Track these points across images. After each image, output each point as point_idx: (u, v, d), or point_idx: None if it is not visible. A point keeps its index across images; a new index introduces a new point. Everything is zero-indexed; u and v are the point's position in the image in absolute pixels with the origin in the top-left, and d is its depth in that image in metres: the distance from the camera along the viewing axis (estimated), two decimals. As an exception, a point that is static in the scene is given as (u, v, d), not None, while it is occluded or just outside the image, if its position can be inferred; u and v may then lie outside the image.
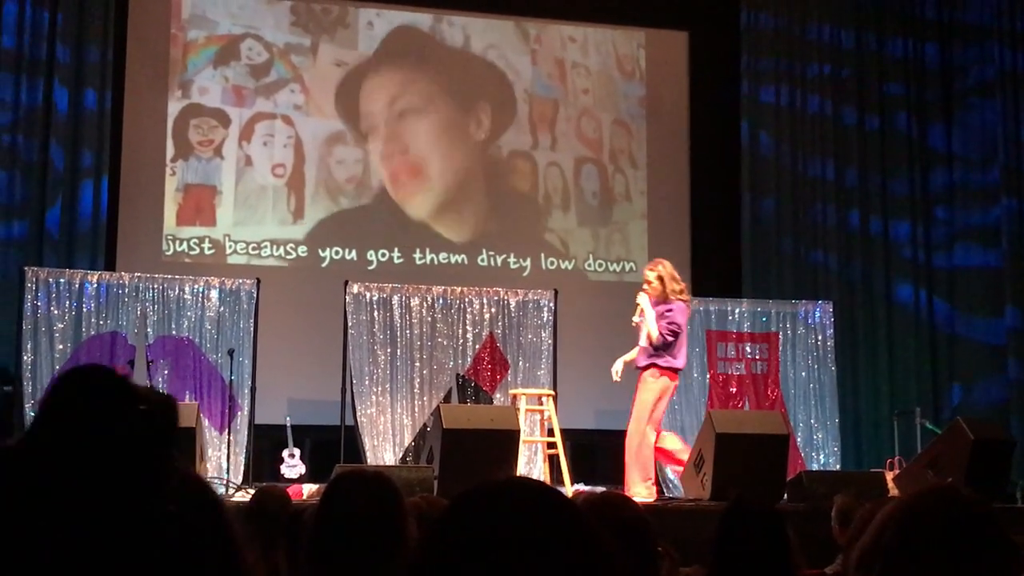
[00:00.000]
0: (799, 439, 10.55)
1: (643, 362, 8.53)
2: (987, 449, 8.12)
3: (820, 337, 10.89)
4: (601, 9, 12.12)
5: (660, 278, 8.50)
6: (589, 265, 11.83)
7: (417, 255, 11.49)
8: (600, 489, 7.60)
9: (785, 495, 8.25)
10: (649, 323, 8.42)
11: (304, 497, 7.86)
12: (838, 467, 10.57)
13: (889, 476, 8.74)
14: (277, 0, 11.52)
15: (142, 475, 1.17)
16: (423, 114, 11.69)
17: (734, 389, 10.60)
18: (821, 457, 10.68)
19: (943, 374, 12.15)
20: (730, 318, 10.77)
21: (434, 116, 11.72)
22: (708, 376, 10.55)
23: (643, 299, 8.52)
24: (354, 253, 11.32)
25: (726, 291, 11.44)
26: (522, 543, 1.29)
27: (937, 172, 12.52)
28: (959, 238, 12.34)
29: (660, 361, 8.46)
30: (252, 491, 7.12)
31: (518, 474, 7.35)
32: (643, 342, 8.53)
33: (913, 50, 12.62)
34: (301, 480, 9.38)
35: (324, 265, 11.22)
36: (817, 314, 10.94)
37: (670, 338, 8.42)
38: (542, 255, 11.74)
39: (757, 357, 10.72)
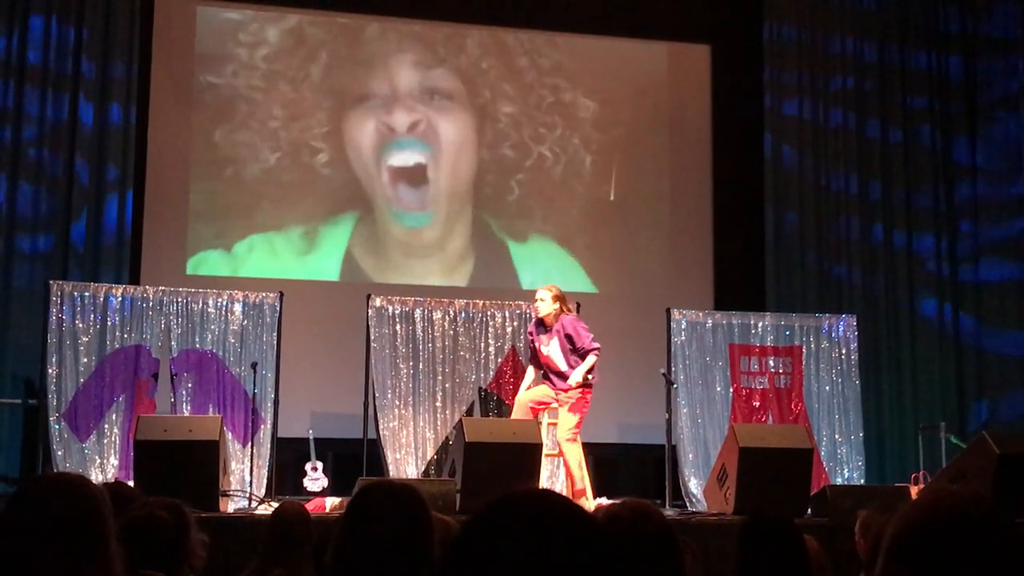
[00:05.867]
0: (823, 453, 10.48)
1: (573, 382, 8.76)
2: (1013, 463, 8.04)
3: (844, 351, 10.83)
4: (624, 23, 12.13)
5: (557, 297, 8.87)
6: (610, 278, 11.82)
7: (436, 269, 11.52)
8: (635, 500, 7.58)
9: (809, 509, 8.21)
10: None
11: (327, 510, 7.87)
12: (862, 481, 10.50)
13: (914, 491, 8.68)
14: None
15: None
16: (441, 123, 11.72)
17: (757, 403, 10.54)
18: (845, 471, 10.62)
19: (968, 388, 12.08)
20: (753, 332, 10.72)
21: (453, 125, 11.75)
22: (731, 390, 10.51)
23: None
24: (373, 265, 11.35)
25: (749, 305, 11.41)
26: (542, 560, 1.29)
27: (961, 185, 12.47)
28: (984, 252, 12.28)
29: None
30: (275, 504, 7.13)
31: (539, 487, 7.35)
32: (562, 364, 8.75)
33: (937, 63, 12.58)
34: (324, 493, 9.38)
35: (348, 279, 11.26)
36: (841, 328, 10.89)
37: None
38: (569, 263, 11.74)
39: (780, 371, 10.67)
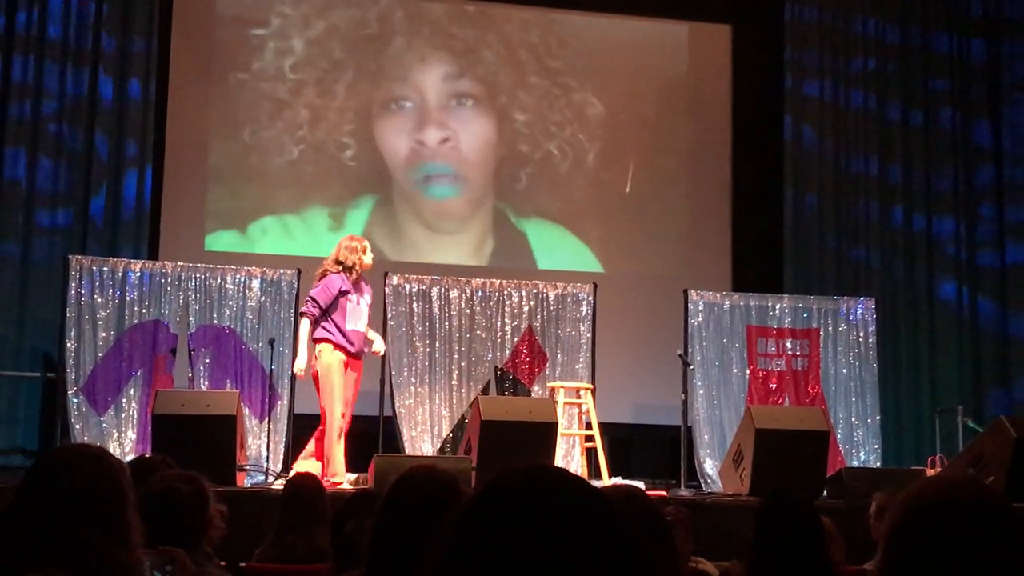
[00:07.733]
0: (839, 436, 10.47)
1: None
2: (1030, 448, 8.02)
3: (862, 334, 10.81)
4: (644, 2, 12.08)
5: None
6: (628, 258, 11.79)
7: (453, 246, 11.52)
8: (620, 483, 7.59)
9: (825, 492, 8.21)
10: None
11: (343, 485, 7.90)
12: (879, 464, 10.49)
13: (930, 473, 8.67)
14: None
15: None
16: (464, 105, 11.70)
17: (774, 385, 10.54)
18: (862, 454, 10.61)
19: (986, 372, 12.04)
20: (771, 313, 10.70)
21: (475, 106, 11.72)
22: (748, 372, 10.50)
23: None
24: (392, 241, 11.35)
25: (767, 286, 11.38)
26: (551, 536, 1.28)
27: (982, 168, 12.39)
28: (1004, 235, 12.21)
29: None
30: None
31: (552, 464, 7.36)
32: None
33: (959, 45, 12.49)
34: (340, 470, 9.41)
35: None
36: (859, 311, 10.86)
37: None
38: (582, 247, 11.73)
39: (798, 353, 10.65)
